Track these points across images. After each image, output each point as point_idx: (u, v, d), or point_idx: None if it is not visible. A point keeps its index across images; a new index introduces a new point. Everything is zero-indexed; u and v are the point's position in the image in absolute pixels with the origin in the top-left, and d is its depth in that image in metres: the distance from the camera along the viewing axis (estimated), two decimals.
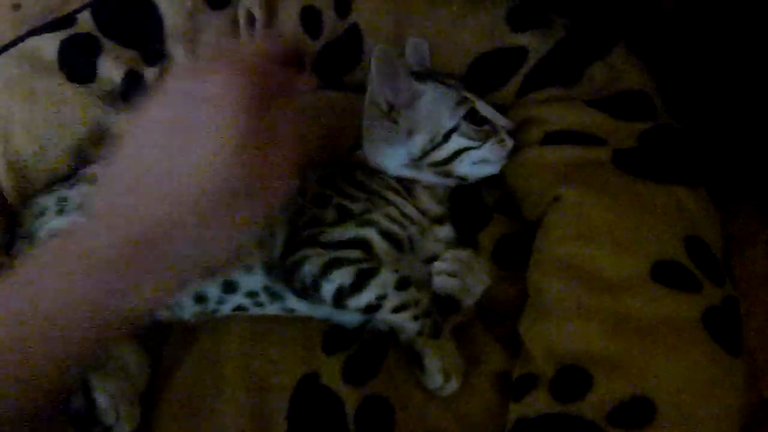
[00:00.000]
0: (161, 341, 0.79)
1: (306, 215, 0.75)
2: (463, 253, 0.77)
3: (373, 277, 0.70)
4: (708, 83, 0.83)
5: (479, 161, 0.78)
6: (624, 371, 0.63)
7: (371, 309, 0.70)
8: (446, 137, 0.76)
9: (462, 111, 0.77)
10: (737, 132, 0.83)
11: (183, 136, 0.49)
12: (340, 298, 0.70)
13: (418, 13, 0.83)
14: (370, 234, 0.73)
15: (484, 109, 0.79)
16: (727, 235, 0.76)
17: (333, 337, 0.77)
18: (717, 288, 0.68)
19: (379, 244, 0.73)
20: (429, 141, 0.77)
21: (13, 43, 0.82)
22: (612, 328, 0.65)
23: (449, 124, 0.76)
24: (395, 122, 0.77)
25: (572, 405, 0.63)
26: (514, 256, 0.78)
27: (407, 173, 0.80)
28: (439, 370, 0.70)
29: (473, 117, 0.77)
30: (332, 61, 0.85)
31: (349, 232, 0.73)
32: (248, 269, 0.75)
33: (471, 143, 0.77)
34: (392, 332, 0.75)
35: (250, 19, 0.84)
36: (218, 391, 0.75)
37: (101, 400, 0.69)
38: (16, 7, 1.06)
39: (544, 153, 0.79)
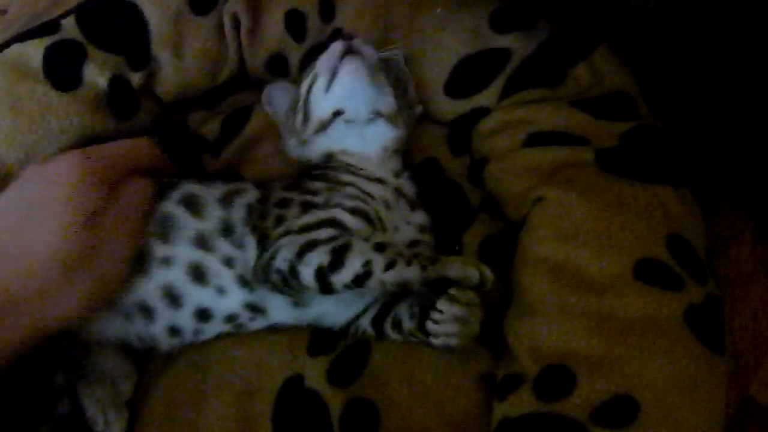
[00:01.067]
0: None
1: (270, 217, 0.74)
2: (455, 308, 0.66)
3: (349, 250, 0.67)
4: (691, 84, 0.83)
5: (327, 83, 0.77)
6: (607, 370, 0.63)
7: (361, 279, 0.66)
8: (296, 97, 0.81)
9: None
10: (721, 133, 0.84)
11: (29, 215, 0.57)
12: (323, 278, 0.67)
13: (402, 16, 0.84)
14: (339, 213, 0.72)
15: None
16: (712, 235, 0.76)
17: (318, 339, 0.77)
18: (699, 286, 0.68)
19: (348, 219, 0.72)
20: (293, 112, 0.81)
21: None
22: (595, 326, 0.65)
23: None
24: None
25: (556, 404, 0.63)
26: (498, 256, 0.78)
27: (308, 151, 0.81)
28: (465, 268, 0.65)
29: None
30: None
31: (315, 215, 0.72)
32: (221, 291, 0.74)
33: (309, 78, 0.78)
34: (377, 333, 0.75)
35: (235, 24, 0.85)
36: (203, 394, 0.75)
37: (89, 406, 0.70)
38: (2, 12, 1.07)
39: (526, 155, 0.79)
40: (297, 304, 0.75)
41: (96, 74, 0.80)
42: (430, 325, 0.66)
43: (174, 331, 0.75)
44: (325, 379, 0.73)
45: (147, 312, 0.73)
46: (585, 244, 0.69)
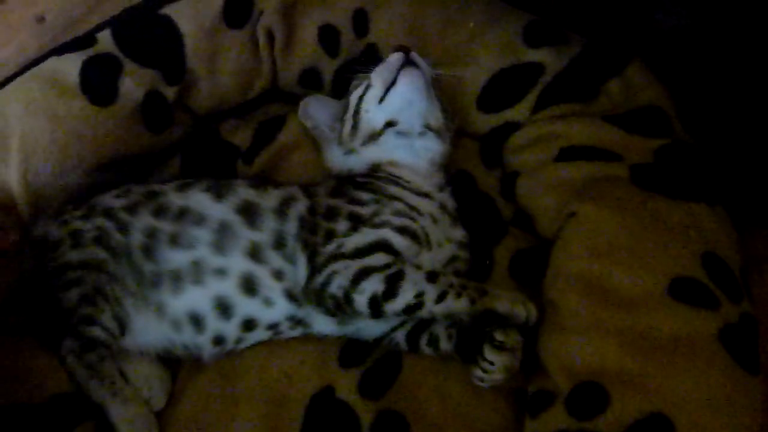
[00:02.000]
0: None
1: (320, 232, 0.75)
2: (504, 358, 0.68)
3: (403, 279, 0.69)
4: (723, 102, 0.83)
5: (382, 95, 0.78)
6: (641, 388, 0.63)
7: (412, 309, 0.69)
8: (346, 107, 0.81)
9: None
10: (754, 151, 0.83)
11: None
12: (376, 306, 0.69)
13: (434, 31, 0.84)
14: (387, 234, 0.73)
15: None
16: (746, 255, 0.75)
17: (349, 351, 0.77)
18: (734, 305, 0.67)
19: (398, 240, 0.73)
20: (340, 122, 0.81)
21: (35, 63, 0.83)
22: (629, 344, 0.65)
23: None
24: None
25: (589, 422, 0.63)
26: (529, 271, 0.78)
27: (353, 162, 0.81)
28: (513, 305, 0.68)
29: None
30: (351, 78, 0.86)
31: (366, 236, 0.73)
32: (268, 303, 0.75)
33: (361, 88, 0.79)
34: (411, 347, 0.76)
35: (269, 38, 0.85)
36: (233, 403, 0.76)
37: (121, 426, 0.71)
38: (41, 19, 1.08)
39: (558, 169, 0.79)
40: (341, 321, 0.76)
41: (132, 89, 0.81)
42: (478, 373, 0.69)
43: (219, 340, 0.76)
44: (357, 391, 0.74)
45: (197, 322, 0.75)
46: (619, 261, 0.69)
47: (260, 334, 0.77)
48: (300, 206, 0.78)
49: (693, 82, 0.83)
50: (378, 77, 0.78)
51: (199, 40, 0.83)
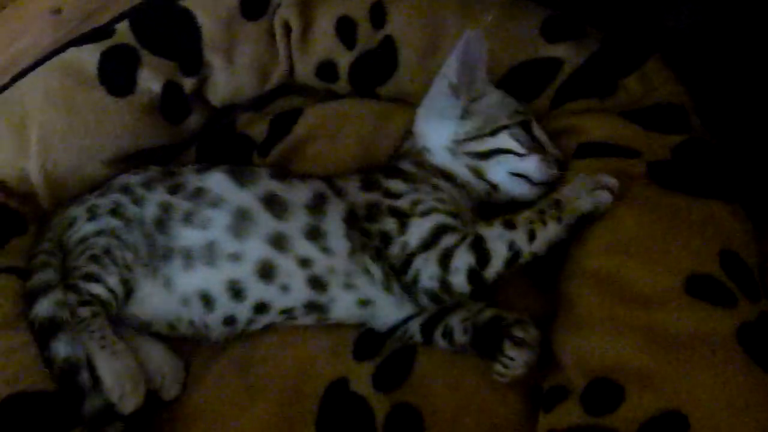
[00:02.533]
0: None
1: (374, 237, 0.76)
2: (525, 354, 0.69)
3: (485, 240, 0.70)
4: (738, 100, 0.82)
5: (517, 173, 0.78)
6: (657, 385, 0.63)
7: (512, 262, 0.69)
8: (495, 132, 0.77)
9: (519, 118, 0.78)
10: None
11: None
12: (476, 278, 0.70)
13: (451, 24, 0.84)
14: (439, 218, 0.74)
15: (539, 131, 0.80)
16: (764, 253, 0.75)
17: (363, 343, 0.78)
18: (752, 303, 0.67)
19: (450, 221, 0.74)
20: (478, 128, 0.78)
21: (54, 53, 0.84)
22: (645, 341, 0.65)
23: (503, 121, 0.78)
24: (457, 98, 0.79)
25: (604, 418, 0.63)
26: (545, 268, 0.78)
27: (443, 158, 0.80)
28: (593, 196, 0.71)
29: (527, 128, 0.78)
30: (366, 71, 0.87)
31: (422, 227, 0.73)
32: (284, 289, 0.76)
33: (516, 147, 0.77)
34: (425, 338, 0.76)
35: (286, 30, 0.86)
36: (247, 394, 0.77)
37: (107, 377, 0.70)
38: (57, 11, 1.09)
39: (576, 165, 0.79)
40: (364, 303, 0.76)
41: (150, 80, 0.82)
42: (499, 368, 0.69)
43: (229, 320, 0.77)
44: (371, 384, 0.74)
45: (207, 301, 0.76)
46: (635, 257, 0.69)
47: (272, 318, 0.78)
48: (337, 205, 0.78)
49: (710, 79, 0.83)
50: (534, 165, 0.77)
51: (216, 32, 0.84)
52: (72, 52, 0.83)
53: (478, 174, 0.79)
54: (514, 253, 0.69)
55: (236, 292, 0.76)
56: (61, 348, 0.71)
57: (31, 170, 0.80)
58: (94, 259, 0.75)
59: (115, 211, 0.78)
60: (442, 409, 0.72)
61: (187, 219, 0.77)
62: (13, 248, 0.80)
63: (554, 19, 0.84)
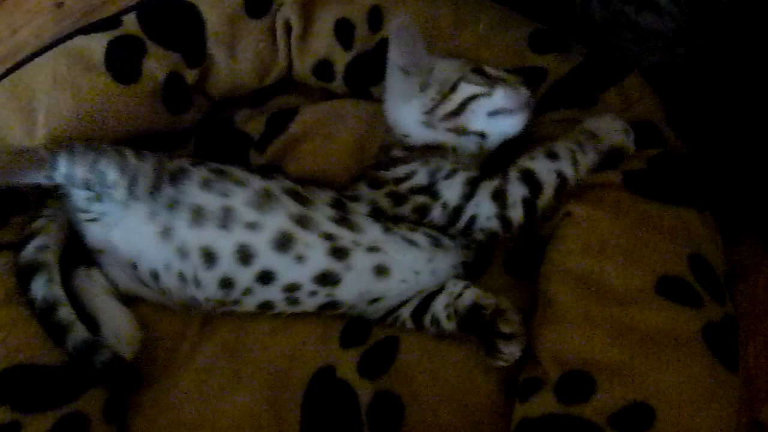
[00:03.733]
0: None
1: (407, 215, 0.77)
2: (516, 347, 0.72)
3: (533, 171, 0.75)
4: (719, 114, 0.86)
5: (493, 112, 0.78)
6: (626, 378, 0.66)
7: (560, 189, 0.75)
8: (453, 87, 0.78)
9: (470, 66, 0.81)
10: (746, 164, 0.87)
11: None
12: (531, 209, 0.74)
13: (445, 32, 0.87)
14: (466, 174, 0.76)
15: (492, 70, 0.81)
16: (731, 262, 0.79)
17: (350, 331, 0.80)
18: (718, 306, 0.71)
19: (476, 174, 0.77)
20: (438, 91, 0.79)
21: (63, 40, 0.86)
22: (617, 336, 0.69)
23: (455, 75, 0.79)
24: (410, 75, 0.80)
25: (576, 407, 0.67)
26: (524, 266, 0.81)
27: (425, 134, 0.80)
28: (625, 134, 0.78)
29: (479, 72, 0.80)
30: (362, 72, 0.89)
31: (453, 186, 0.76)
32: (299, 259, 0.75)
33: (478, 89, 0.78)
34: (416, 324, 0.78)
35: (287, 29, 0.88)
36: (236, 378, 0.79)
37: (104, 323, 0.76)
38: (59, 4, 1.11)
39: None
40: (380, 272, 0.76)
41: (154, 69, 0.84)
42: (497, 363, 0.72)
43: (227, 283, 0.76)
44: (356, 371, 0.77)
45: (210, 258, 0.75)
46: (610, 259, 0.72)
47: (273, 293, 0.76)
48: (357, 207, 0.79)
49: (686, 90, 0.87)
50: (503, 96, 0.78)
51: (220, 26, 0.86)
52: (80, 39, 0.85)
53: (462, 131, 0.79)
54: (562, 180, 0.75)
55: (245, 256, 0.74)
56: (39, 288, 0.74)
57: None
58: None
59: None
60: (421, 398, 0.75)
61: (206, 185, 0.76)
62: (15, 225, 0.81)
63: (542, 32, 0.88)
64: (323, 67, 0.90)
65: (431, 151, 0.80)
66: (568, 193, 0.78)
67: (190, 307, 0.79)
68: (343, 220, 0.77)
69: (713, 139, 0.87)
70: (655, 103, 0.86)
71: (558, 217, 0.79)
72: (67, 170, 0.74)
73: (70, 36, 0.86)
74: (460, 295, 0.75)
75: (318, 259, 0.75)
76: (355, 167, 0.86)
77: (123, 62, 0.83)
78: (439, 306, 0.77)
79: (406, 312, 0.79)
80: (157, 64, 0.84)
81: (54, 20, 1.11)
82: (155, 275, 0.78)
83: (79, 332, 0.73)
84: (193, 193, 0.76)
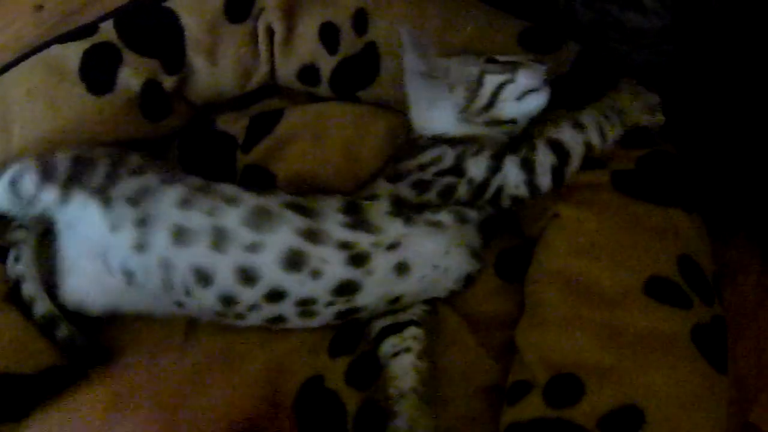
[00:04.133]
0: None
1: (433, 200, 0.77)
2: None
3: (561, 141, 0.75)
4: (709, 115, 0.86)
5: (521, 94, 0.78)
6: (615, 380, 0.66)
7: (592, 151, 0.76)
8: (480, 81, 0.78)
9: (483, 58, 0.80)
10: (736, 165, 0.86)
11: None
12: (559, 176, 0.75)
13: (433, 33, 0.86)
14: (491, 151, 0.76)
15: (503, 57, 0.81)
16: (721, 263, 0.78)
17: (338, 340, 0.79)
18: (707, 307, 0.70)
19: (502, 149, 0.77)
20: (467, 88, 0.78)
21: (39, 49, 0.85)
22: (605, 339, 0.68)
23: (475, 70, 0.78)
24: (436, 78, 0.79)
25: (565, 410, 0.66)
26: (513, 269, 0.81)
27: (464, 129, 0.79)
28: (653, 114, 0.79)
29: (493, 60, 0.80)
30: (348, 76, 0.88)
31: (479, 162, 0.76)
32: (315, 275, 0.71)
33: (503, 77, 0.78)
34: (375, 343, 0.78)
35: (269, 33, 0.87)
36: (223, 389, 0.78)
37: None
38: (39, 8, 1.10)
39: None
40: (401, 270, 0.74)
41: (130, 78, 0.83)
42: None
43: (228, 301, 0.72)
44: (344, 380, 0.76)
45: (203, 278, 0.70)
46: (598, 260, 0.72)
47: (285, 309, 0.73)
48: (376, 206, 0.77)
49: (675, 88, 0.86)
50: (526, 77, 0.77)
51: (200, 33, 0.85)
52: (56, 49, 0.84)
53: (496, 121, 0.79)
54: (588, 149, 0.75)
55: (247, 277, 0.70)
56: (11, 262, 0.77)
57: None
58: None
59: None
60: None
61: (186, 202, 0.72)
62: None
63: (532, 30, 0.86)
64: (308, 72, 0.89)
65: (467, 140, 0.79)
66: (556, 194, 0.77)
67: (176, 313, 0.76)
68: (359, 223, 0.74)
69: (702, 139, 0.86)
70: None
71: (546, 218, 0.79)
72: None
73: (47, 44, 0.84)
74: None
75: (335, 271, 0.71)
76: (346, 167, 0.85)
77: (98, 72, 0.82)
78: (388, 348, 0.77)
79: (378, 324, 0.78)
80: (133, 73, 0.83)
81: (33, 24, 1.09)
82: (129, 273, 0.72)
83: (43, 306, 0.74)
84: (169, 212, 0.71)
